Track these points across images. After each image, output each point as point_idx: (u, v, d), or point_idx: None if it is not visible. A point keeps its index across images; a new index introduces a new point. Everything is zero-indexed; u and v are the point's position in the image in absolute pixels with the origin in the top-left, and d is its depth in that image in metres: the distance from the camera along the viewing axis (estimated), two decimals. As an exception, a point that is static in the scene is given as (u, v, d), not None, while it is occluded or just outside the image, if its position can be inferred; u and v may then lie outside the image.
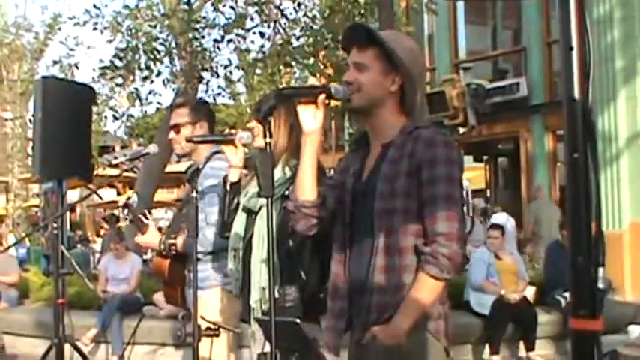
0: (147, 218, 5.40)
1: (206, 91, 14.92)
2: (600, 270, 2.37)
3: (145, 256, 16.51)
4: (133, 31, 13.93)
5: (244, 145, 4.53)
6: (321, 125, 3.39)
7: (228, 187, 4.55)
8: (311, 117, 3.36)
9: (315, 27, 14.50)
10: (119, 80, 14.45)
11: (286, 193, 4.09)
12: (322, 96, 3.35)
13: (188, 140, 5.00)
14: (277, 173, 4.26)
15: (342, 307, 3.44)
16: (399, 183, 3.25)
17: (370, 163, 3.45)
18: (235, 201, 4.53)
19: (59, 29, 29.28)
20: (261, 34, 14.78)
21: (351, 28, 3.59)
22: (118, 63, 14.01)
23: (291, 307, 4.11)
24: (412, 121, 3.42)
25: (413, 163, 3.24)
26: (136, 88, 14.70)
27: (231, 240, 4.52)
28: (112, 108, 15.24)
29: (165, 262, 5.26)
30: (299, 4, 14.48)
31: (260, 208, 4.24)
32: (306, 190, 3.47)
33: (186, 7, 14.16)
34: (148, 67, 14.02)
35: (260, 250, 4.20)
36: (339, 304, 3.46)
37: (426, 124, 3.44)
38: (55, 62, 16.51)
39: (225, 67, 14.92)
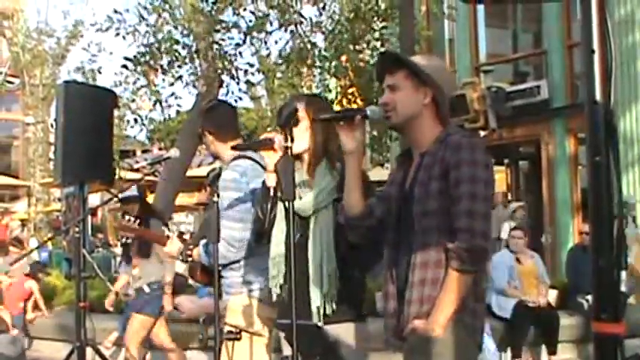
0: (167, 228, 5.56)
1: (227, 95, 14.91)
2: (622, 273, 2.37)
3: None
4: (155, 29, 13.93)
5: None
6: (360, 144, 3.69)
7: (272, 193, 4.53)
8: (350, 138, 3.67)
9: (337, 29, 14.45)
10: (141, 82, 14.45)
11: (335, 197, 4.23)
12: (358, 117, 3.63)
13: (233, 148, 5.05)
14: (324, 178, 4.31)
15: (393, 306, 3.63)
16: (432, 186, 3.48)
17: (411, 173, 3.67)
18: (276, 208, 4.53)
19: (81, 36, 29.42)
20: (292, 32, 14.70)
21: (380, 58, 3.93)
22: (141, 59, 14.01)
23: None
24: (447, 129, 3.64)
25: (443, 166, 3.47)
26: (157, 91, 14.69)
27: (274, 245, 4.52)
28: (133, 112, 15.24)
29: (196, 266, 5.39)
30: (324, 7, 14.46)
31: (314, 212, 4.25)
32: (353, 205, 3.81)
33: (208, 8, 14.15)
34: (169, 67, 14.03)
35: (317, 255, 4.22)
36: (391, 304, 3.65)
37: (457, 130, 3.67)
38: (78, 69, 16.56)
39: (246, 71, 14.91)
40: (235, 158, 5.23)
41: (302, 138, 4.27)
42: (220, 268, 5.08)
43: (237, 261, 5.10)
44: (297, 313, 3.94)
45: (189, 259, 5.35)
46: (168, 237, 5.55)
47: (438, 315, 3.37)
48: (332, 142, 4.33)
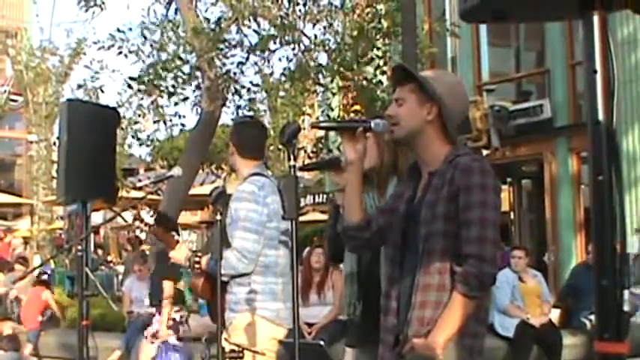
0: (178, 234, 5.55)
1: (232, 113, 14.93)
2: (625, 293, 2.36)
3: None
4: (159, 46, 13.92)
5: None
6: (360, 156, 3.66)
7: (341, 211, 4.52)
8: (351, 149, 3.65)
9: (340, 47, 14.44)
10: (144, 102, 14.45)
11: None
12: (360, 130, 3.63)
13: (300, 169, 5.06)
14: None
15: (392, 323, 3.61)
16: (439, 208, 3.46)
17: (419, 192, 3.66)
18: None
19: (84, 54, 29.46)
20: (294, 51, 14.69)
21: (393, 70, 3.87)
22: (145, 79, 14.01)
23: None
24: (456, 149, 3.60)
25: (452, 189, 3.45)
26: (162, 107, 14.69)
27: (346, 263, 4.54)
28: (135, 132, 15.24)
29: (199, 281, 5.38)
30: (325, 27, 14.46)
31: None
32: (351, 214, 3.77)
33: (212, 26, 14.17)
34: (173, 87, 14.04)
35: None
36: (390, 320, 3.63)
37: (466, 151, 3.61)
38: (79, 86, 16.52)
39: (249, 89, 14.93)
40: (252, 175, 5.27)
41: (368, 155, 4.27)
42: (227, 280, 5.09)
43: (247, 274, 5.10)
44: (370, 332, 3.94)
45: (197, 266, 5.33)
46: (177, 241, 5.54)
47: (439, 335, 3.34)
48: (401, 160, 4.35)
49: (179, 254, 5.44)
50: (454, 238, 3.42)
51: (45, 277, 12.90)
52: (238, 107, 14.90)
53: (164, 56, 13.91)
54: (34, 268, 14.07)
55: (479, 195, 3.39)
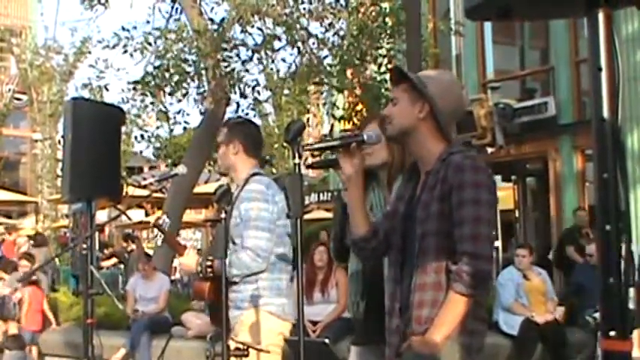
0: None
1: (236, 112, 14.94)
2: (631, 290, 2.36)
3: (172, 277, 16.57)
4: (163, 52, 13.95)
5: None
6: (358, 170, 3.68)
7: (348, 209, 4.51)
8: (348, 164, 3.68)
9: (344, 44, 14.43)
10: (149, 100, 14.46)
11: None
12: (353, 145, 3.65)
13: (308, 167, 5.02)
14: None
15: (397, 324, 3.61)
16: (433, 207, 3.46)
17: (418, 191, 3.66)
18: None
19: (89, 53, 29.48)
20: (299, 49, 14.64)
21: (391, 72, 3.90)
22: (149, 80, 14.02)
23: None
24: (450, 147, 3.60)
25: (444, 187, 3.45)
26: (165, 107, 14.72)
27: (351, 262, 4.54)
28: (140, 128, 15.26)
29: (205, 285, 5.30)
30: (330, 24, 14.45)
31: None
32: (357, 226, 3.80)
33: (215, 27, 14.18)
34: (177, 86, 14.04)
35: None
36: (394, 322, 3.63)
37: (459, 149, 3.60)
38: (85, 85, 16.55)
39: (253, 88, 14.92)
40: (254, 174, 5.26)
41: (377, 154, 4.31)
42: (237, 280, 5.08)
43: (256, 273, 5.10)
44: (374, 330, 3.94)
45: (209, 270, 5.24)
46: (185, 247, 5.49)
47: (436, 333, 3.35)
48: (408, 159, 4.35)
49: (189, 260, 5.37)
50: (448, 236, 3.42)
51: (34, 277, 12.78)
52: (238, 105, 14.89)
53: (168, 55, 13.92)
54: (39, 266, 14.07)
55: (472, 192, 3.39)
